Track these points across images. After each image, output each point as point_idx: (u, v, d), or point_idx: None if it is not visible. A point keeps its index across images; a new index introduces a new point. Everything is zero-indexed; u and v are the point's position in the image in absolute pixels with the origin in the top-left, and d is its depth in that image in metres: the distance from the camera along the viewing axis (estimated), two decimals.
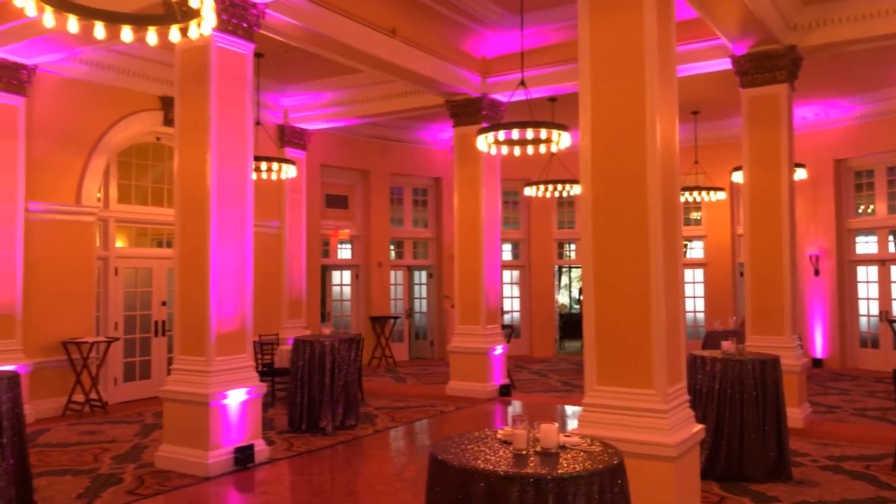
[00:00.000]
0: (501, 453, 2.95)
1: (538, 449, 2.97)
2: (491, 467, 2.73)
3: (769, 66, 8.65)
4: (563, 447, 3.02)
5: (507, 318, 16.00)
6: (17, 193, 9.02)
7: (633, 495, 4.37)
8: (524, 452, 2.93)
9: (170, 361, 10.28)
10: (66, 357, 9.39)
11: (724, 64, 9.12)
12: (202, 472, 6.50)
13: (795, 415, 8.10)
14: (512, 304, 16.56)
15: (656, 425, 4.54)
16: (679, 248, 5.03)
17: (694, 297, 15.52)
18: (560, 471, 2.72)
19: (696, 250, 15.78)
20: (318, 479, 6.86)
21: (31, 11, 3.73)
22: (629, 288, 4.73)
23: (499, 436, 3.19)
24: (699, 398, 6.37)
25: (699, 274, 15.48)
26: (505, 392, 10.96)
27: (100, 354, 9.77)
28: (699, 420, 6.19)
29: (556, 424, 3.03)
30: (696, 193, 12.95)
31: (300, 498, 6.23)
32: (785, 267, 8.52)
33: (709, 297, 15.24)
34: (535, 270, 16.44)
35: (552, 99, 11.42)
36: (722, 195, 13.28)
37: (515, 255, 16.81)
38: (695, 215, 15.73)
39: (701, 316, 15.40)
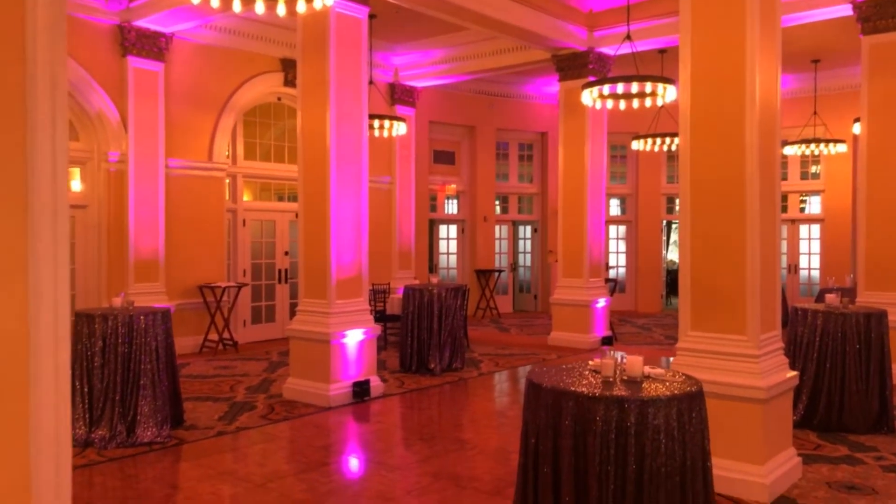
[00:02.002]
0: (590, 379, 3.29)
1: (624, 377, 3.29)
2: (580, 389, 3.09)
3: (893, 11, 8.24)
4: (647, 377, 3.33)
5: (612, 272, 16.08)
6: (159, 151, 9.97)
7: (725, 435, 4.64)
8: (611, 379, 3.27)
9: (292, 306, 11.20)
10: (201, 300, 10.41)
11: (845, 10, 8.74)
12: (324, 402, 7.22)
13: None
14: (618, 259, 16.59)
15: (748, 369, 4.72)
16: (777, 201, 5.09)
17: (809, 253, 15.04)
18: (642, 394, 3.04)
19: (813, 205, 15.20)
20: (427, 412, 7.46)
21: None
22: (725, 238, 4.87)
23: (589, 366, 3.53)
24: (799, 350, 6.43)
25: (815, 230, 14.94)
26: (607, 343, 11.20)
27: (231, 298, 10.75)
28: (799, 371, 6.28)
29: (642, 357, 3.34)
30: (813, 146, 12.47)
31: (411, 427, 6.83)
32: None
33: (825, 254, 14.71)
34: (643, 225, 16.35)
35: (662, 51, 11.28)
36: (842, 148, 12.69)
37: (623, 210, 16.76)
38: (814, 169, 15.10)
39: (816, 273, 14.91)
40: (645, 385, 3.19)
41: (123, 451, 5.73)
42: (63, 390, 1.65)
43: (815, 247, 14.96)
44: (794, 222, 15.15)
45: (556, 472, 3.10)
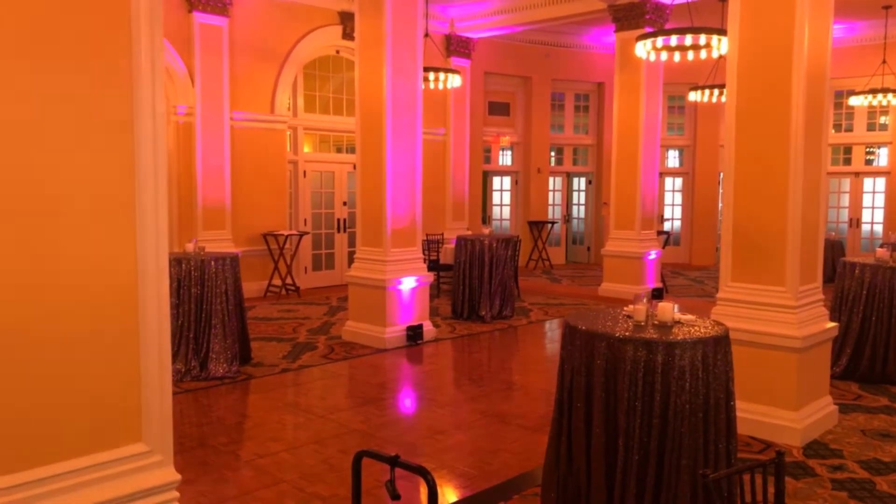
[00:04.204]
0: (623, 323, 3.54)
1: (655, 322, 3.52)
2: (612, 332, 3.34)
3: None
4: (677, 322, 3.55)
5: (667, 225, 16.02)
6: (224, 104, 10.40)
7: (761, 382, 4.85)
8: (643, 324, 3.51)
9: (350, 255, 11.65)
10: (265, 247, 10.94)
11: None
12: (380, 344, 7.66)
13: None
14: (673, 211, 16.49)
15: (785, 319, 4.87)
16: (824, 156, 5.14)
17: (872, 207, 14.66)
18: (669, 337, 3.27)
19: (881, 158, 14.75)
20: (478, 355, 7.83)
21: None
22: (767, 191, 4.97)
23: (623, 311, 3.77)
24: (845, 303, 6.50)
25: (880, 183, 14.53)
26: (657, 295, 11.31)
27: (293, 246, 11.26)
28: (843, 324, 6.37)
29: (673, 304, 3.56)
30: (881, 96, 12.08)
31: (461, 369, 7.22)
32: None
33: (891, 207, 14.32)
34: (699, 178, 16.15)
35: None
36: None
37: (680, 161, 16.57)
38: (882, 120, 14.61)
39: (879, 228, 14.56)
40: (674, 329, 3.42)
41: (197, 384, 6.27)
42: (163, 310, 2.03)
43: (879, 200, 14.57)
44: (858, 175, 14.77)
45: (588, 407, 3.39)
